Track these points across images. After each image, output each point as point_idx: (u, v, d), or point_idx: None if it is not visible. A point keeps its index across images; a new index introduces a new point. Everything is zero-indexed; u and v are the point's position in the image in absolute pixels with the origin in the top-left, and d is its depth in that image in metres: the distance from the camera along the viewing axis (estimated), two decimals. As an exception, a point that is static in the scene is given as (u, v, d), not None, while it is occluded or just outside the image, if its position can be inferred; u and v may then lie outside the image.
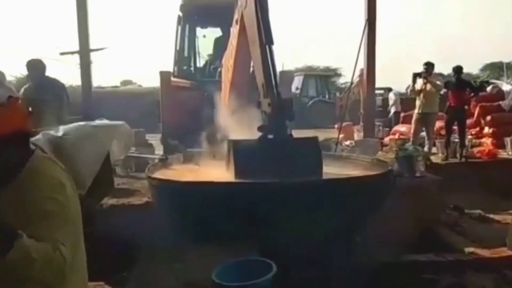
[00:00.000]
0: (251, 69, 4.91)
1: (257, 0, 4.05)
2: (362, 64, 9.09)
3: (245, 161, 3.81)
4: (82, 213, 2.01)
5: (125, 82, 23.71)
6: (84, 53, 8.24)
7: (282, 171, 3.52)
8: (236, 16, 4.90)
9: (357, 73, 9.59)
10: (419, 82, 8.02)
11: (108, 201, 4.86)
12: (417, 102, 8.20)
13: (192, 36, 7.99)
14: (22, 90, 5.83)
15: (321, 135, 11.35)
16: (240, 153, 3.86)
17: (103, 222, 3.96)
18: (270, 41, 4.02)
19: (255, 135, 3.97)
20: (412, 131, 8.41)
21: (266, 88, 3.96)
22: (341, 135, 8.81)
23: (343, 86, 23.48)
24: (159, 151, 7.59)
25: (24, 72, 12.83)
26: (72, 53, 9.06)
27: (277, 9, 7.72)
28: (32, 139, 2.51)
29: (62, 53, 10.51)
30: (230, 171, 3.99)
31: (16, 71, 13.96)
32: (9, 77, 9.10)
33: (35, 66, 6.02)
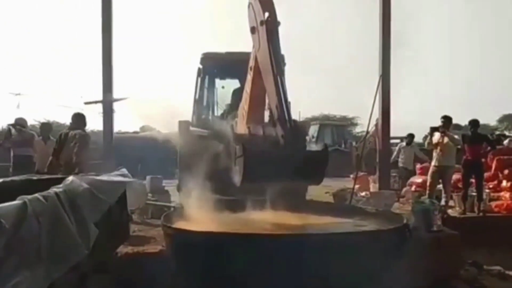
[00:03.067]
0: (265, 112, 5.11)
1: (269, 38, 4.33)
2: (377, 113, 9.21)
3: (253, 164, 3.95)
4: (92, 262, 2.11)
5: (145, 128, 24.15)
6: (107, 103, 8.57)
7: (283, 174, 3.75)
8: (251, 63, 5.09)
9: (373, 122, 9.67)
10: (437, 135, 8.06)
11: (123, 249, 4.89)
12: (434, 155, 8.20)
13: (211, 87, 8.25)
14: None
15: (337, 184, 11.38)
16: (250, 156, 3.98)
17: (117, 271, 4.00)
18: (280, 73, 4.37)
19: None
20: (428, 183, 8.35)
21: (278, 119, 4.15)
22: (356, 186, 8.79)
23: (360, 135, 23.54)
24: (175, 197, 7.66)
25: (48, 117, 13.30)
26: (96, 102, 9.41)
27: (294, 59, 8.00)
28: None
29: (86, 103, 10.92)
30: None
31: (39, 116, 14.45)
32: (32, 121, 9.48)
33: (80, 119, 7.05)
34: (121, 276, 4.00)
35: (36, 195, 2.26)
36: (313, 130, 18.55)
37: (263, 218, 4.74)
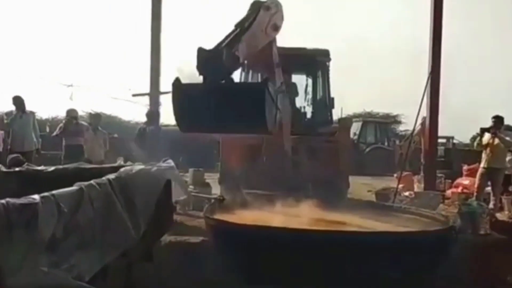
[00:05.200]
0: None
1: None
2: (424, 112, 8.97)
3: (186, 108, 3.72)
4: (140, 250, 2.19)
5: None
6: (155, 95, 8.81)
7: (223, 121, 3.53)
8: None
9: (419, 121, 9.42)
10: (487, 136, 7.76)
11: (167, 238, 5.03)
12: (483, 156, 7.89)
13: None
14: None
15: (379, 183, 11.19)
16: (182, 98, 3.75)
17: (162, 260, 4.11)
18: None
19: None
20: (476, 185, 8.05)
21: None
22: (400, 185, 8.60)
23: (403, 133, 22.91)
24: (216, 190, 7.79)
25: (96, 108, 13.85)
26: (143, 95, 9.68)
27: (338, 53, 7.93)
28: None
29: (134, 95, 11.29)
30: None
31: (88, 107, 15.03)
32: (81, 112, 9.93)
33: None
34: (165, 265, 4.11)
35: (91, 181, 2.38)
36: (355, 127, 18.22)
37: (304, 214, 4.74)
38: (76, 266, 1.96)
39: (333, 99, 7.62)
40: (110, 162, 6.60)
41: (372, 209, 5.36)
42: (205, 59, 3.56)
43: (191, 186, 8.71)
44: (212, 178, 8.69)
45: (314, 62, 7.62)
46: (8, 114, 8.90)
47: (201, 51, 3.58)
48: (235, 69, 3.77)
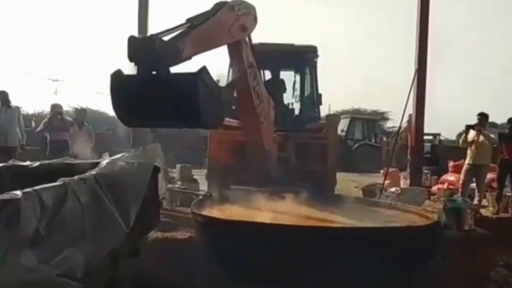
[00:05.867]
0: None
1: None
2: (411, 109, 9.04)
3: (122, 101, 3.51)
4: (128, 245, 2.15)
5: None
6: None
7: (159, 115, 3.37)
8: None
9: (406, 118, 9.51)
10: (472, 133, 7.85)
11: (153, 234, 5.01)
12: (468, 152, 7.99)
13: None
14: None
15: (366, 179, 11.27)
16: (118, 90, 3.51)
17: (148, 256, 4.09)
18: None
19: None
20: (461, 182, 8.15)
21: None
22: (386, 181, 8.67)
23: (391, 130, 23.12)
24: (203, 186, 7.77)
25: (82, 104, 13.67)
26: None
27: (325, 50, 7.95)
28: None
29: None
30: None
31: (74, 102, 14.90)
32: (66, 107, 9.78)
33: None
34: (152, 261, 4.09)
35: (75, 177, 2.35)
36: (343, 124, 18.33)
37: (291, 210, 4.75)
38: (66, 262, 1.94)
39: (320, 95, 7.65)
40: (95, 157, 6.53)
41: (359, 205, 5.40)
42: (136, 47, 3.34)
43: (178, 182, 8.70)
44: (200, 174, 8.68)
45: (302, 58, 7.64)
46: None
47: (132, 40, 3.37)
48: (176, 62, 3.50)
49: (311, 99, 7.72)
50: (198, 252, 4.24)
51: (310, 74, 7.74)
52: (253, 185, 5.72)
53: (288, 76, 8.11)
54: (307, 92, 7.80)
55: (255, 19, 4.87)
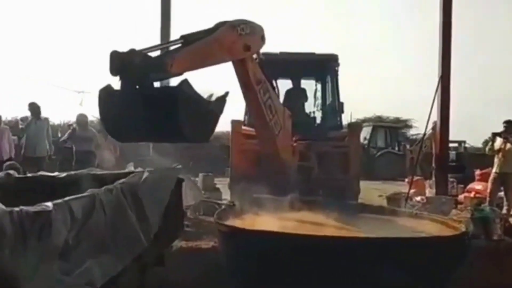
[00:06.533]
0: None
1: None
2: (435, 116, 8.89)
3: (109, 114, 3.45)
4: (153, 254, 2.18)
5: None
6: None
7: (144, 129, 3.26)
8: None
9: (430, 125, 9.35)
10: (499, 140, 7.67)
11: (177, 243, 5.04)
12: (495, 161, 7.80)
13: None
14: None
15: (390, 188, 11.10)
16: (104, 104, 3.44)
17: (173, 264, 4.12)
18: None
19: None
20: (488, 190, 7.95)
21: None
22: (411, 190, 8.52)
23: (414, 137, 22.76)
24: (226, 195, 7.79)
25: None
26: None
27: (346, 57, 7.93)
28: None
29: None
30: None
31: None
32: (91, 117, 10.00)
33: None
34: (177, 270, 4.12)
35: (103, 188, 2.39)
36: (365, 132, 18.16)
37: (313, 219, 4.72)
38: (88, 273, 1.97)
39: (342, 104, 7.61)
40: (120, 168, 6.65)
41: (384, 214, 5.32)
42: (118, 62, 3.30)
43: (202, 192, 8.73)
44: (222, 183, 8.70)
45: (323, 67, 7.62)
46: (23, 119, 9.03)
47: (114, 54, 3.33)
48: (162, 77, 3.51)
49: (333, 108, 7.68)
50: (222, 262, 4.25)
51: (331, 83, 7.71)
52: (276, 195, 5.71)
53: (310, 85, 8.09)
54: (328, 100, 7.77)
55: (262, 39, 4.87)
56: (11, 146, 8.81)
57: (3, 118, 9.23)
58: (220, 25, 4.16)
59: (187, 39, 3.83)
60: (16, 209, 1.59)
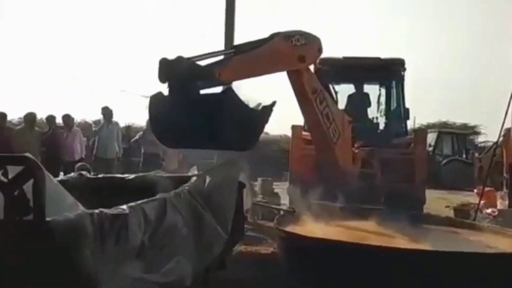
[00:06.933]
0: None
1: None
2: (508, 123, 8.34)
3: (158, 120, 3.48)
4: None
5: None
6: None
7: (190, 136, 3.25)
8: None
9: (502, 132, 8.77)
10: None
11: (237, 247, 5.08)
12: None
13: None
14: None
15: (456, 198, 10.56)
16: (154, 111, 3.47)
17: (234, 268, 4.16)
18: None
19: None
20: None
21: None
22: (481, 202, 8.04)
23: (483, 145, 21.55)
24: (284, 200, 7.77)
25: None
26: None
27: (410, 59, 7.65)
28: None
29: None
30: None
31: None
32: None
33: None
34: (238, 274, 4.15)
35: (172, 192, 2.47)
36: (430, 138, 17.40)
37: (375, 229, 4.59)
38: (174, 271, 2.05)
39: (408, 109, 7.38)
40: (184, 171, 6.84)
41: (451, 226, 5.08)
42: (166, 69, 3.34)
43: (259, 196, 8.78)
44: (280, 188, 8.70)
45: (388, 71, 7.43)
46: (96, 122, 9.59)
47: (163, 61, 3.37)
48: (209, 85, 3.47)
49: (398, 114, 7.46)
50: (281, 268, 4.24)
51: (396, 88, 7.49)
52: (336, 202, 5.62)
53: (373, 90, 7.92)
54: (393, 106, 7.56)
55: (319, 50, 4.79)
56: (82, 147, 9.36)
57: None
58: (274, 36, 4.16)
59: (239, 49, 3.87)
60: (96, 211, 1.67)
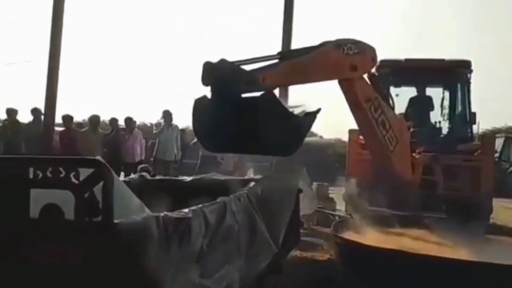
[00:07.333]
0: None
1: None
2: None
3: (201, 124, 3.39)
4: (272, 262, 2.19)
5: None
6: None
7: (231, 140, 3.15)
8: None
9: None
10: None
11: (293, 253, 5.04)
12: None
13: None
14: None
15: (525, 208, 9.88)
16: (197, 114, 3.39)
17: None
18: None
19: None
20: None
21: None
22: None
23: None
24: (340, 206, 7.63)
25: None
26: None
27: (475, 61, 7.25)
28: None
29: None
30: None
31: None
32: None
33: None
34: (292, 280, 4.12)
35: (231, 196, 2.49)
36: (496, 144, 16.44)
37: (435, 239, 4.45)
38: (224, 278, 2.05)
39: (474, 114, 7.00)
40: (240, 173, 6.90)
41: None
42: (209, 72, 3.27)
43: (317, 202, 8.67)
44: (335, 193, 8.55)
45: (453, 74, 7.10)
46: (157, 125, 9.92)
47: (207, 64, 3.31)
48: (251, 90, 3.27)
49: (463, 118, 7.09)
50: (338, 275, 4.16)
51: (461, 91, 7.12)
52: (394, 209, 5.44)
53: (435, 93, 7.59)
54: (458, 110, 7.20)
55: (372, 60, 4.59)
56: (142, 149, 9.70)
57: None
58: (325, 44, 4.07)
59: (285, 55, 3.80)
60: (162, 214, 1.70)
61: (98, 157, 1.62)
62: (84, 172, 1.62)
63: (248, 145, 3.28)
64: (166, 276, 1.65)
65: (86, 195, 1.59)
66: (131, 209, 1.65)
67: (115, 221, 1.55)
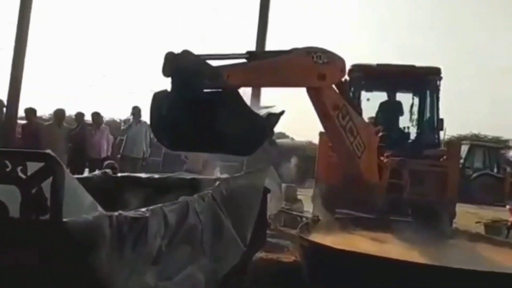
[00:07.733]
0: None
1: None
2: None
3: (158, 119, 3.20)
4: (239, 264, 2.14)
5: (279, 135, 24.77)
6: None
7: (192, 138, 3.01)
8: None
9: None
10: None
11: (258, 254, 4.98)
12: None
13: (356, 100, 8.05)
14: None
15: (487, 213, 10.19)
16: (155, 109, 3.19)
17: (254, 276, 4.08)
18: None
19: None
20: None
21: None
22: (512, 218, 7.72)
23: (515, 160, 20.85)
24: (307, 207, 7.65)
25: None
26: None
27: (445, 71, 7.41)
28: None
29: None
30: None
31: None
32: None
33: None
34: (257, 281, 4.07)
35: (195, 195, 2.40)
36: (461, 151, 16.96)
37: (399, 242, 4.48)
38: (188, 280, 1.98)
39: (442, 120, 7.15)
40: (206, 173, 6.81)
41: (482, 243, 4.91)
42: (171, 63, 3.08)
43: (283, 202, 8.67)
44: (302, 194, 8.58)
45: (423, 80, 7.23)
46: (125, 121, 9.68)
47: (169, 55, 3.11)
48: (213, 86, 3.16)
49: (431, 124, 7.23)
50: (303, 278, 4.13)
51: (431, 97, 7.26)
52: (361, 212, 5.48)
53: (405, 98, 7.73)
54: (426, 116, 7.34)
55: (341, 71, 4.57)
56: (109, 145, 9.47)
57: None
58: (295, 50, 4.01)
59: (254, 56, 3.72)
60: (115, 213, 1.61)
61: (49, 151, 1.51)
62: (33, 166, 1.52)
63: (207, 143, 3.15)
64: (118, 278, 1.56)
65: (33, 191, 1.48)
66: (82, 207, 1.55)
67: (64, 219, 1.45)
